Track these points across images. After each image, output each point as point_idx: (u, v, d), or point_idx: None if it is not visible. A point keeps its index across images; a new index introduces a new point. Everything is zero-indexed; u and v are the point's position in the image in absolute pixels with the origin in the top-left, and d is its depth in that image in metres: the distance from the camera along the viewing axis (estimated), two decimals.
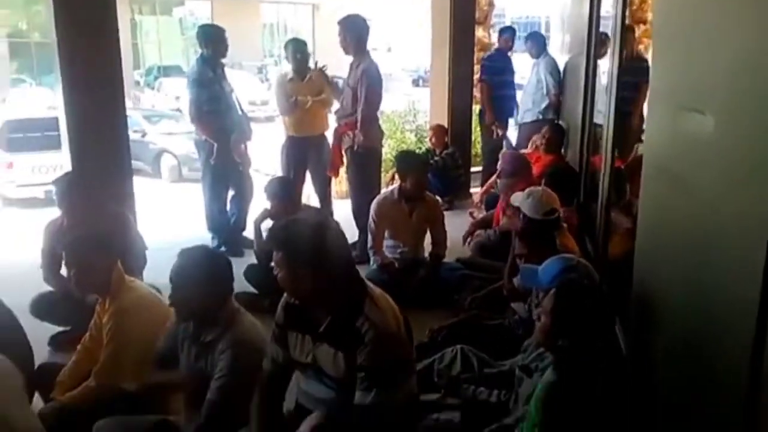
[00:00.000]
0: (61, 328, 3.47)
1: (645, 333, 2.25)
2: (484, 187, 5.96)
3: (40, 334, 3.17)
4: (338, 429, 1.12)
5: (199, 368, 2.30)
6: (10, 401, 1.87)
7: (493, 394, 2.55)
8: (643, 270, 2.34)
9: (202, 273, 2.21)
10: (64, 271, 3.41)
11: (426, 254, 4.38)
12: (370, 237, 4.23)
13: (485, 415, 2.46)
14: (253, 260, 4.24)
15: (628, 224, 3.57)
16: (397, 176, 4.58)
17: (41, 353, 2.95)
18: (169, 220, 5.79)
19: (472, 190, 6.75)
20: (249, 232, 4.96)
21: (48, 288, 3.50)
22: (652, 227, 2.30)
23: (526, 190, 3.40)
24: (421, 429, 2.22)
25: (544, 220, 3.18)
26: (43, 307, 3.41)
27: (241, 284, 3.52)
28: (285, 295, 2.05)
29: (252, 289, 3.98)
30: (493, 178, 5.47)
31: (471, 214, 5.72)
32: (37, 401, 2.63)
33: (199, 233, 5.08)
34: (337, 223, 2.10)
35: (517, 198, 3.42)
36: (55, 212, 3.58)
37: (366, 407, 1.79)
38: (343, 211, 5.17)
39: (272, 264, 2.01)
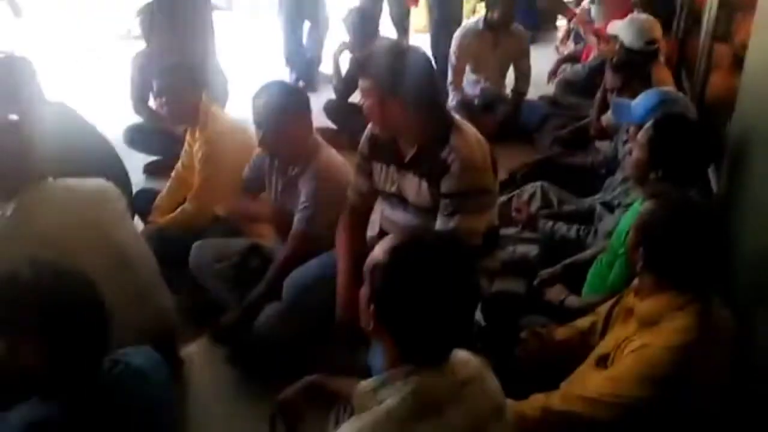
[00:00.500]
0: (153, 158, 3.64)
1: (739, 179, 2.13)
2: (572, 19, 5.57)
3: (133, 163, 3.35)
4: (416, 248, 1.14)
5: (285, 200, 2.38)
6: (118, 223, 2.02)
7: (571, 230, 2.55)
8: (746, 114, 2.17)
9: (281, 108, 2.21)
10: (152, 102, 3.54)
11: (508, 91, 4.24)
12: (450, 71, 4.10)
13: (562, 249, 2.49)
14: (331, 95, 4.23)
15: (733, 62, 3.30)
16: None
17: (137, 181, 3.13)
18: (246, 55, 5.76)
19: (558, 23, 6.34)
20: (325, 67, 4.92)
21: (139, 119, 3.63)
22: (762, 68, 2.09)
23: (628, 17, 3.17)
24: (498, 260, 2.27)
25: (643, 50, 2.98)
26: (135, 137, 3.56)
27: (319, 120, 3.54)
28: (369, 125, 2.05)
29: (331, 125, 4.00)
30: (584, 5, 5.09)
31: (557, 48, 5.43)
32: (137, 224, 2.83)
33: (276, 68, 5.06)
34: (423, 51, 2.02)
35: (616, 26, 3.21)
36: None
37: (448, 233, 1.82)
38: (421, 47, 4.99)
39: (350, 99, 1.98)
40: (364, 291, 1.20)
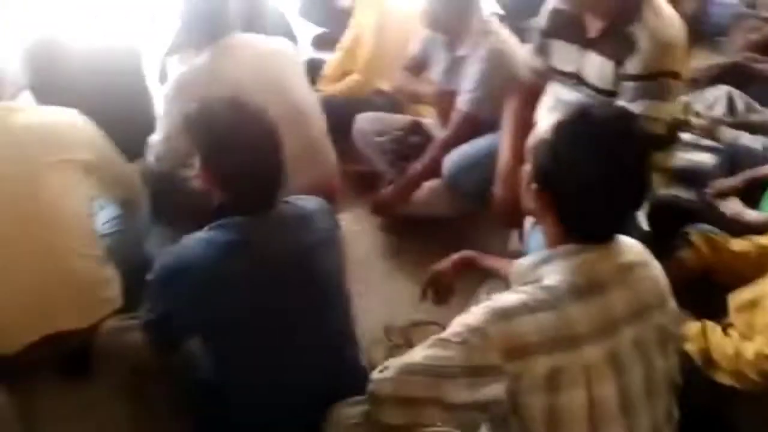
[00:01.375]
0: (321, 30, 3.70)
1: None
2: None
3: (304, 34, 3.44)
4: (584, 122, 1.08)
5: (450, 80, 2.35)
6: (297, 79, 2.14)
7: (756, 141, 2.33)
8: None
9: None
10: None
11: None
12: None
13: (744, 161, 2.29)
14: None
15: None
16: None
17: (306, 51, 3.21)
18: None
19: None
20: None
21: None
22: None
23: None
24: (672, 161, 2.13)
25: None
26: (307, 9, 3.62)
27: None
28: None
29: None
30: None
31: None
32: None
33: None
34: None
35: None
36: None
37: (622, 109, 1.71)
38: None
39: None
40: (527, 169, 1.18)
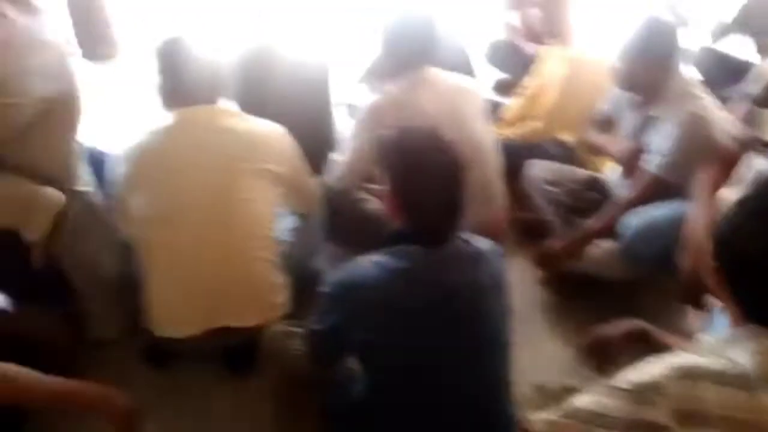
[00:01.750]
0: (504, 75, 3.71)
1: None
2: None
3: (485, 78, 3.47)
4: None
5: (639, 139, 2.25)
6: (478, 116, 2.16)
7: None
8: None
9: (645, 45, 2.07)
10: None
11: None
12: None
13: None
14: None
15: None
16: None
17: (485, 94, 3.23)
18: None
19: None
20: None
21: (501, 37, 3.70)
22: None
23: None
24: None
25: None
26: (494, 55, 3.66)
27: None
28: None
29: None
30: None
31: None
32: None
33: None
34: None
35: None
36: None
37: None
38: None
39: None
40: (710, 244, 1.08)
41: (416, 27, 2.08)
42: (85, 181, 1.93)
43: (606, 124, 2.47)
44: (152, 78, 1.85)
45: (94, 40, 4.21)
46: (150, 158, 1.80)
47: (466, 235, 1.49)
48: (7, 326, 1.75)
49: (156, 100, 1.86)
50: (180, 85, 1.80)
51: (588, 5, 3.25)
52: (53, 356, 1.60)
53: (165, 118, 1.83)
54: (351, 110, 2.93)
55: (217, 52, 1.89)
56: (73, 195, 1.85)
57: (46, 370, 1.31)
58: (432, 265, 1.40)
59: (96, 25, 4.12)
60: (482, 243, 1.50)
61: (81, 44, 4.00)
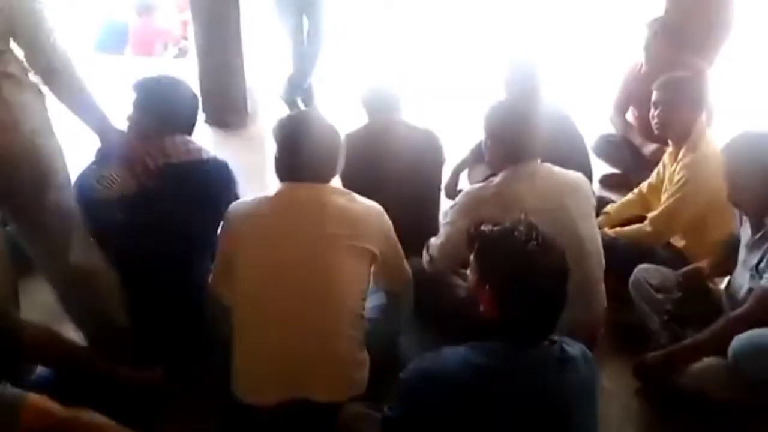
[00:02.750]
0: (613, 170, 3.62)
1: None
2: None
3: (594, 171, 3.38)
4: None
5: (753, 255, 2.10)
6: (586, 217, 2.12)
7: None
8: None
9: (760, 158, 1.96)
10: (630, 116, 3.52)
11: None
12: None
13: None
14: None
15: None
16: None
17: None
18: None
19: None
20: None
21: (611, 131, 3.64)
22: None
23: None
24: None
25: None
26: (603, 148, 3.59)
27: None
28: None
29: None
30: None
31: None
32: None
33: None
34: None
35: None
36: None
37: None
38: None
39: None
40: None
41: (524, 120, 2.08)
42: None
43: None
44: (272, 149, 1.93)
45: (224, 110, 4.53)
46: (250, 228, 1.87)
47: (560, 338, 1.42)
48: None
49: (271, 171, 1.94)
50: (296, 162, 1.88)
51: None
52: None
53: (275, 189, 1.90)
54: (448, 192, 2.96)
55: (338, 132, 1.96)
56: None
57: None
58: (517, 366, 1.35)
59: (227, 97, 4.45)
60: (573, 347, 1.43)
61: (207, 110, 4.32)
